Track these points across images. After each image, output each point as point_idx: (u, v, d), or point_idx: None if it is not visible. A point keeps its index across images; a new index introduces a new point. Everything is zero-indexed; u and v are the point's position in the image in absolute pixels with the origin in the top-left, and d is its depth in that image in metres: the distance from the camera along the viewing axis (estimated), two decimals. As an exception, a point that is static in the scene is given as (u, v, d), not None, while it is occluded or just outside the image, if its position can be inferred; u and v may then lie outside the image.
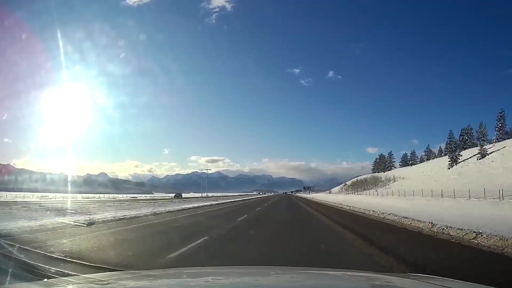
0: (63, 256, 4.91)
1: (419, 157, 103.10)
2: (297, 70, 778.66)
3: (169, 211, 18.96)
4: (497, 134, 71.27)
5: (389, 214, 14.64)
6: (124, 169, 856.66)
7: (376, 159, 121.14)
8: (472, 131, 75.09)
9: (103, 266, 3.89)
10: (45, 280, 2.33)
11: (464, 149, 71.45)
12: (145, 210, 18.20)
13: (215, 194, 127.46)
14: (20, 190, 70.57)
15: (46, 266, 2.87)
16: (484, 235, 7.27)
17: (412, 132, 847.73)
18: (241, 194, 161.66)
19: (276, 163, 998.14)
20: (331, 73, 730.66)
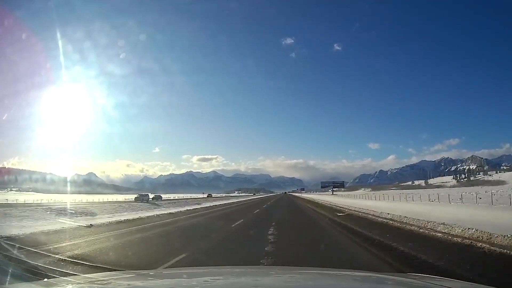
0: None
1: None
2: (291, 49, 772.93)
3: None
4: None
5: None
6: (115, 169, 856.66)
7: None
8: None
9: (103, 266, 4.01)
10: (45, 280, 2.45)
11: None
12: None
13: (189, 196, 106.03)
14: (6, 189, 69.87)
15: (47, 266, 2.98)
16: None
17: (421, 125, 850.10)
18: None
19: (273, 161, 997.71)
20: (335, 46, 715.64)
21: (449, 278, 2.54)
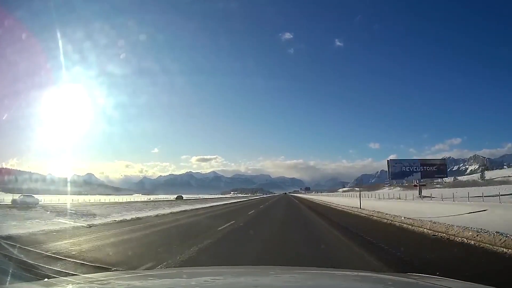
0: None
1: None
2: (290, 46, 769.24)
3: None
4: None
5: None
6: (114, 170, 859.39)
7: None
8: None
9: (103, 266, 4.05)
10: (45, 280, 2.49)
11: None
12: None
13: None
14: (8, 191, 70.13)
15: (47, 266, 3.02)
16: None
17: (422, 125, 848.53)
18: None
19: (273, 162, 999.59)
20: (336, 42, 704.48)
21: (449, 278, 2.55)
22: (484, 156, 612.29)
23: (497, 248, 7.57)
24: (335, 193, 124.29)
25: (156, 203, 38.62)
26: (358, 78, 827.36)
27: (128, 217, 17.50)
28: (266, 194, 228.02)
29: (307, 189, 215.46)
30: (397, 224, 13.63)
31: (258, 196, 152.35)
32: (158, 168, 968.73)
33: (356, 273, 3.06)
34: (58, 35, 37.37)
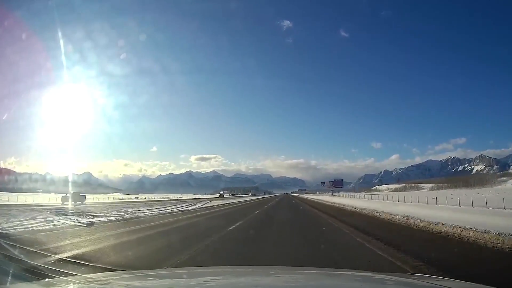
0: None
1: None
2: (291, 42, 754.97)
3: None
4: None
5: None
6: (113, 169, 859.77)
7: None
8: None
9: (103, 266, 4.10)
10: (46, 280, 2.54)
11: None
12: None
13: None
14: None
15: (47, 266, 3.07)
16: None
17: (425, 124, 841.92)
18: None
19: (273, 161, 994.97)
20: (341, 32, 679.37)
21: (449, 278, 2.60)
22: (489, 156, 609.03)
23: None
24: (374, 193, 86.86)
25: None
26: (360, 76, 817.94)
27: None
28: (265, 194, 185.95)
29: (337, 185, 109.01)
30: None
31: (242, 200, 68.03)
32: (157, 167, 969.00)
33: (356, 273, 3.09)
34: (59, 34, 37.45)
